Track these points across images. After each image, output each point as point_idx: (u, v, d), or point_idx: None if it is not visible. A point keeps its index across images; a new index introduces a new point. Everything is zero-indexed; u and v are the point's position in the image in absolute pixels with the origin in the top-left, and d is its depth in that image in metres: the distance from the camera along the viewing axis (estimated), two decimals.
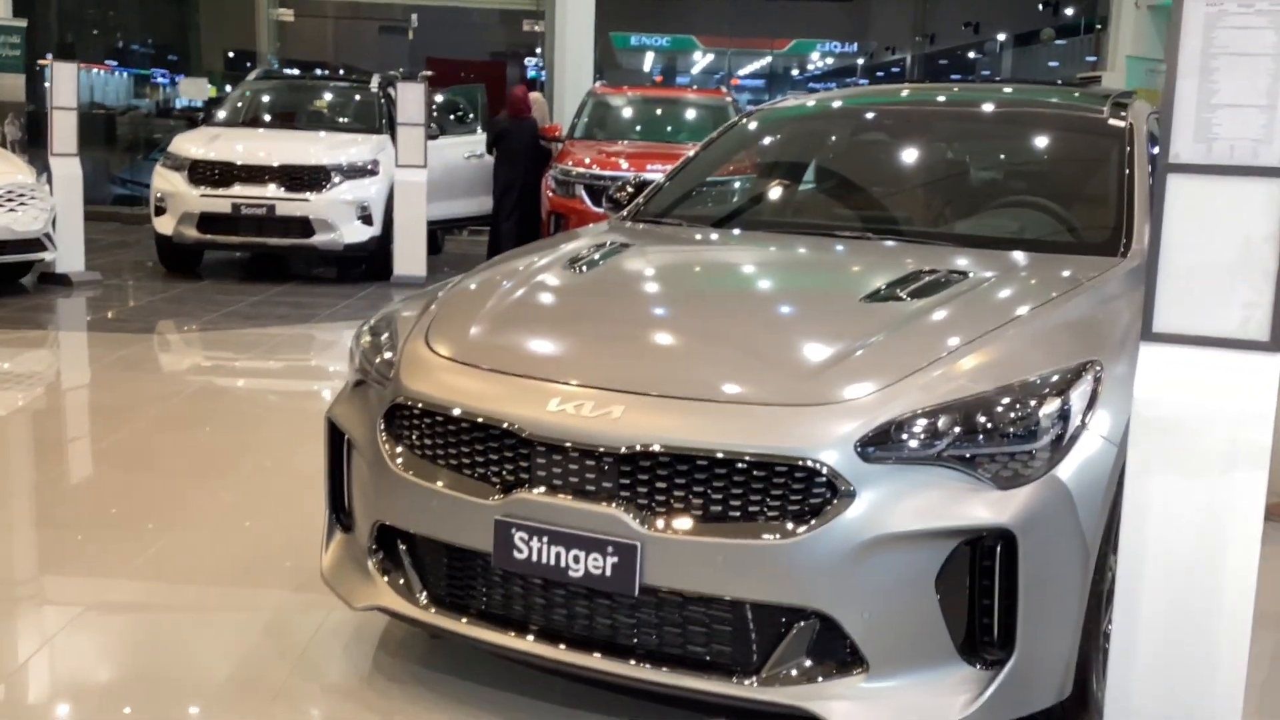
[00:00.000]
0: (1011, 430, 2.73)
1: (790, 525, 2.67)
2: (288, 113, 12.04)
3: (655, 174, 10.48)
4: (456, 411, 2.97)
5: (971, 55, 34.10)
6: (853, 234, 3.99)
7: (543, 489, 2.84)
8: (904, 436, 2.70)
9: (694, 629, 2.80)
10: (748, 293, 3.60)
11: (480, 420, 2.93)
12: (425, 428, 3.06)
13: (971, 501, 2.67)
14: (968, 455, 2.71)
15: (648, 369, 2.98)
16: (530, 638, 2.93)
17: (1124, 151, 4.12)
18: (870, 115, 4.76)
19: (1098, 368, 2.91)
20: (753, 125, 4.86)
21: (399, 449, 3.10)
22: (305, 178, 10.41)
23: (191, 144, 10.67)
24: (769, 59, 40.19)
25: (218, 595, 3.87)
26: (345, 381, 3.49)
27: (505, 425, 2.88)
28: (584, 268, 3.69)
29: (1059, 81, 6.23)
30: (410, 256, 10.75)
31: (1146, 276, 2.73)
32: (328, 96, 12.26)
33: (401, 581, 3.14)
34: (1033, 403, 2.76)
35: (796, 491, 2.69)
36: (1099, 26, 17.27)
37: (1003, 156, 4.50)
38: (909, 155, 4.47)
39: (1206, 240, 2.68)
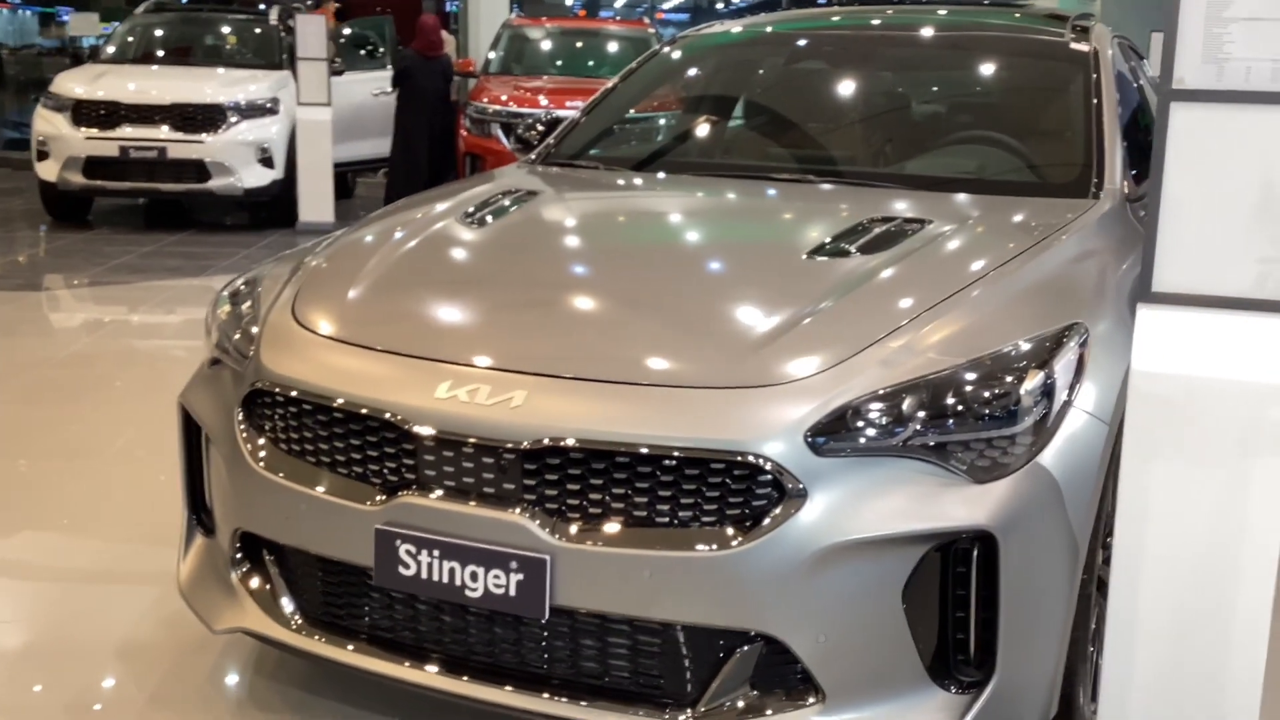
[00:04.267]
0: (988, 412, 2.29)
1: (730, 533, 2.22)
2: (182, 48, 11.25)
3: (575, 111, 9.98)
4: (327, 398, 2.47)
5: None
6: (791, 176, 3.51)
7: (432, 492, 2.37)
8: (862, 423, 2.25)
9: (617, 656, 2.35)
10: (674, 249, 3.10)
11: (356, 409, 2.43)
12: (291, 418, 2.55)
13: (945, 499, 2.24)
14: (938, 443, 2.27)
15: (556, 345, 2.49)
16: (429, 668, 2.46)
17: (1089, 80, 3.68)
18: (806, 42, 4.25)
19: (1082, 332, 2.48)
20: (675, 55, 4.33)
21: (261, 442, 2.59)
22: (200, 117, 9.72)
23: (75, 83, 9.92)
24: None
25: (78, 608, 3.35)
26: (202, 360, 2.96)
27: (386, 415, 2.39)
28: (482, 221, 3.17)
29: (986, 2, 5.75)
30: (316, 201, 10.11)
31: (1146, 226, 2.30)
32: (224, 30, 11.46)
33: (270, 599, 2.65)
34: (1011, 378, 2.32)
35: (736, 492, 2.23)
36: None
37: (955, 87, 4.02)
38: (851, 86, 3.97)
39: (1217, 182, 2.25)
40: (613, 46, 11.80)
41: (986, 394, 2.30)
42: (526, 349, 2.46)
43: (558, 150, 3.91)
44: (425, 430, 2.34)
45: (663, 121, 4.18)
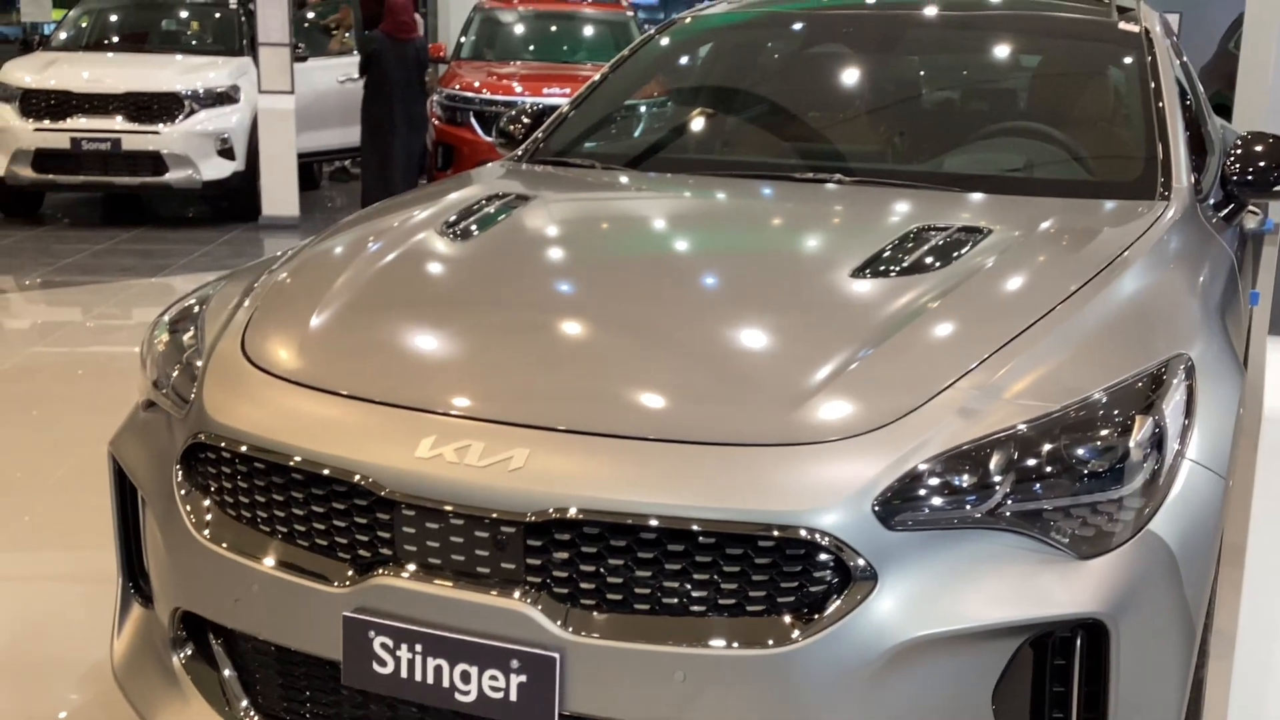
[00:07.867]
0: (1091, 470, 1.88)
1: (783, 624, 1.80)
2: (138, 34, 10.70)
3: (554, 99, 9.51)
4: (282, 455, 2.03)
5: None
6: (816, 176, 3.08)
7: (413, 571, 1.93)
8: (942, 487, 1.84)
9: None
10: (694, 268, 2.67)
11: (317, 469, 1.99)
12: (240, 477, 2.11)
13: (1045, 579, 1.83)
14: (1034, 511, 1.86)
15: (561, 391, 2.06)
16: None
17: (1145, 64, 3.28)
18: (825, 23, 3.81)
19: (1187, 364, 2.08)
20: (676, 38, 3.88)
21: (205, 505, 2.15)
22: (155, 107, 9.23)
23: (23, 71, 9.42)
24: None
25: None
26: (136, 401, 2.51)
27: (355, 478, 1.95)
28: (466, 232, 2.72)
29: None
30: (279, 194, 9.65)
31: None
32: (182, 14, 10.92)
33: (218, 691, 2.21)
34: (1117, 426, 1.91)
35: (789, 575, 1.81)
36: None
37: (995, 74, 3.60)
38: (877, 73, 3.53)
39: None
40: (589, 31, 11.34)
41: (1089, 448, 1.89)
42: (526, 396, 2.03)
43: (547, 146, 3.46)
44: (406, 497, 1.91)
45: (663, 114, 3.73)
